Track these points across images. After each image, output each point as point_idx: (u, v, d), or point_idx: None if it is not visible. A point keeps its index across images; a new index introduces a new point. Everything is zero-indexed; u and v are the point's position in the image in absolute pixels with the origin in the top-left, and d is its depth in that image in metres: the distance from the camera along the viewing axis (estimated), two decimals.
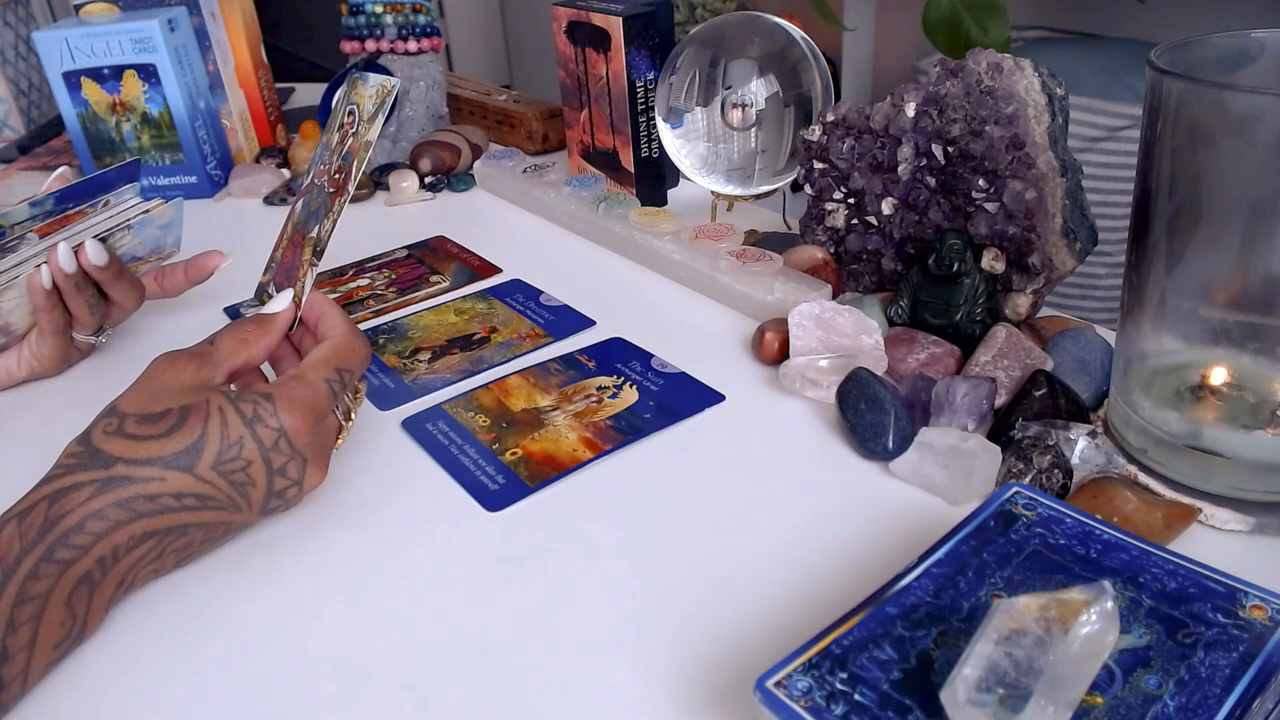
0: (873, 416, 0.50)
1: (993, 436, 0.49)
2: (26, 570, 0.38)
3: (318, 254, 0.51)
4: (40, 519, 0.39)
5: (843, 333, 0.56)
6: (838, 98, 0.69)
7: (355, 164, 0.51)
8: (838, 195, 0.64)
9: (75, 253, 0.60)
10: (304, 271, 0.51)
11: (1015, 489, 0.40)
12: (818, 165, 0.64)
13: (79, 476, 0.40)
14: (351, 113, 0.53)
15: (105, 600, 0.41)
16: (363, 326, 0.68)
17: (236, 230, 0.90)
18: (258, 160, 1.04)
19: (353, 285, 0.75)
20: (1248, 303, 0.41)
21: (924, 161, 0.59)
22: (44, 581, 0.38)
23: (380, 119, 0.51)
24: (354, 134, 0.52)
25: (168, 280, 0.67)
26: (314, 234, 0.52)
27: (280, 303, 0.51)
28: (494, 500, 0.49)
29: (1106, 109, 1.37)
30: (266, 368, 0.53)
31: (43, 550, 0.39)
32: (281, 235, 0.57)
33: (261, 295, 0.56)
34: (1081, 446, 0.46)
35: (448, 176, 0.96)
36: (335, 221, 0.51)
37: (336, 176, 0.52)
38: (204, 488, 0.42)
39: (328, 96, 1.00)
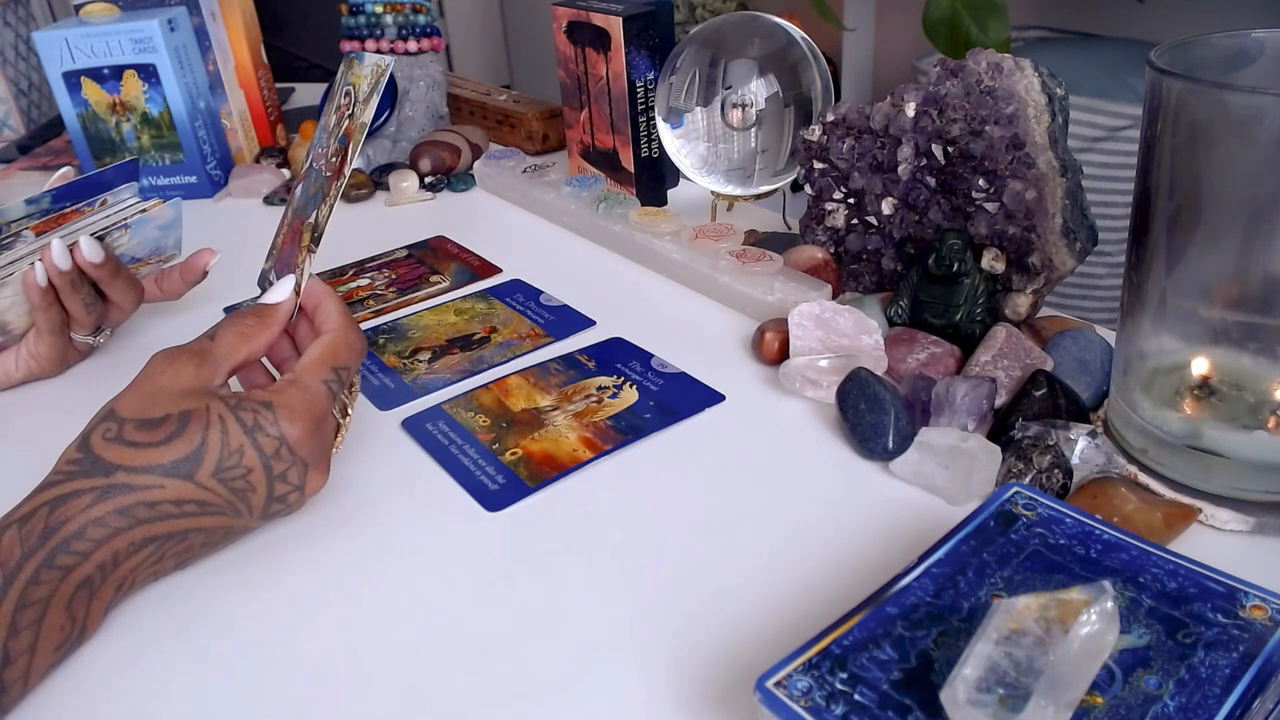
0: (873, 416, 0.50)
1: (993, 436, 0.49)
2: (28, 576, 0.38)
3: (316, 240, 0.49)
4: (41, 525, 0.39)
5: (843, 333, 0.56)
6: (838, 98, 0.69)
7: (351, 146, 0.49)
8: (838, 195, 0.64)
9: (70, 250, 0.59)
10: (302, 258, 0.50)
11: (1015, 489, 0.40)
12: (818, 165, 0.64)
13: (79, 484, 0.40)
14: (348, 93, 0.52)
15: (104, 603, 0.41)
16: (363, 326, 0.68)
17: (236, 230, 0.90)
18: (258, 160, 1.04)
19: (353, 285, 0.75)
20: (1247, 303, 0.41)
21: (924, 161, 0.59)
22: (45, 587, 0.38)
23: (375, 99, 0.49)
24: (350, 115, 0.51)
25: (165, 282, 0.67)
26: (311, 219, 0.50)
27: (280, 292, 0.49)
28: (494, 500, 0.49)
29: (1106, 109, 1.37)
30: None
31: (44, 556, 0.38)
32: (282, 221, 0.55)
33: (264, 283, 0.54)
34: (1081, 446, 0.46)
35: (448, 176, 0.96)
36: (332, 206, 0.49)
37: (334, 160, 0.51)
38: (204, 494, 0.42)
39: (327, 96, 1.00)
